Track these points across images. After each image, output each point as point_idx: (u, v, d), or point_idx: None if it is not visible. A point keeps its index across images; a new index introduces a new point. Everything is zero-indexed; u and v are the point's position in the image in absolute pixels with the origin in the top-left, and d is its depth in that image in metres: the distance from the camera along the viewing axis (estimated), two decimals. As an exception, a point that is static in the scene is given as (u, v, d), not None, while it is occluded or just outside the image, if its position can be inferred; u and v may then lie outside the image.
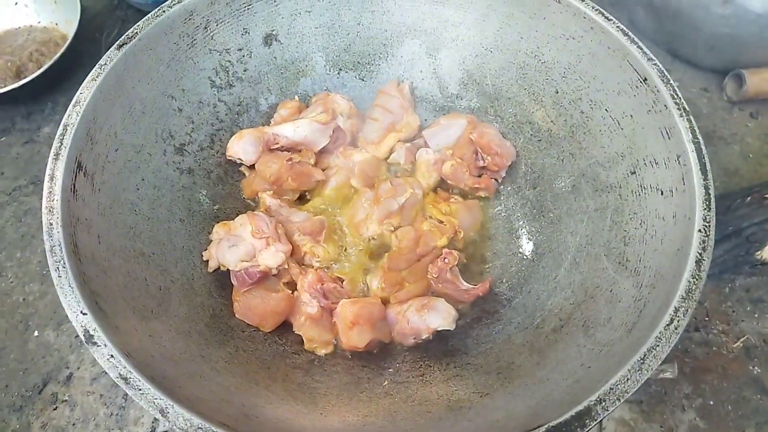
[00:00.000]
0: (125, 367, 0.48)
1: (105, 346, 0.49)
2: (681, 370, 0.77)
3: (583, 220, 0.70)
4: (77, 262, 0.54)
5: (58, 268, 0.53)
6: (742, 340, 0.80)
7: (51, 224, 0.55)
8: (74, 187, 0.58)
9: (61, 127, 0.61)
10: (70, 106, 0.62)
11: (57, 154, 0.59)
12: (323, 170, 0.79)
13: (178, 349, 0.57)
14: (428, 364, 0.66)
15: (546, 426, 0.46)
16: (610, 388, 0.47)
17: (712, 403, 0.75)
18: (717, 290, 0.86)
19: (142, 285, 0.61)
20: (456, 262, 0.69)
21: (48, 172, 0.58)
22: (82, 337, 0.49)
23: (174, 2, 0.70)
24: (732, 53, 1.00)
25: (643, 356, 0.47)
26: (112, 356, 0.48)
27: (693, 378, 0.77)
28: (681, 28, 1.00)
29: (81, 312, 0.50)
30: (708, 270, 0.84)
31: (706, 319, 0.83)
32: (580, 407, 0.46)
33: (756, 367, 0.78)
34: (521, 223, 0.78)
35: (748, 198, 0.85)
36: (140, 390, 0.47)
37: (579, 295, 0.64)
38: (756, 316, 0.82)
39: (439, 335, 0.67)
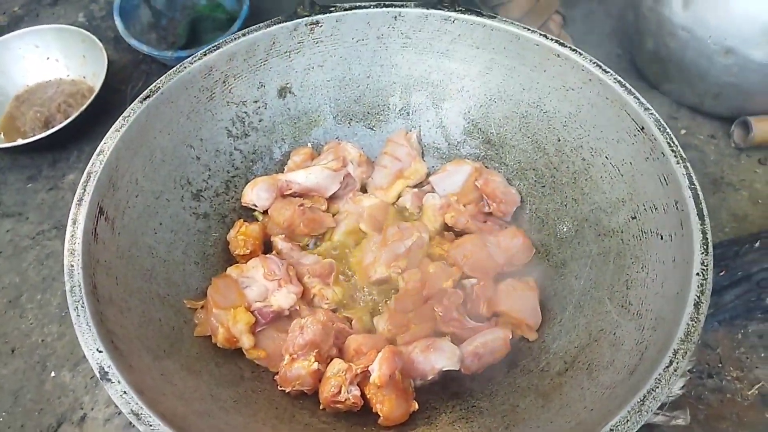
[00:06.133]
0: (137, 404, 0.50)
1: (119, 382, 0.51)
2: (694, 417, 0.76)
3: (587, 264, 0.71)
4: (95, 302, 0.57)
5: (77, 307, 0.55)
6: (756, 387, 0.79)
7: (72, 266, 0.58)
8: (95, 231, 0.62)
9: (84, 175, 0.64)
10: (94, 155, 0.66)
11: (80, 200, 0.62)
12: (333, 215, 0.82)
13: (188, 387, 0.59)
14: (434, 406, 0.67)
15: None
16: (610, 430, 0.47)
17: (726, 451, 0.74)
18: (729, 336, 0.85)
19: (156, 325, 0.64)
20: (461, 301, 0.71)
21: (71, 216, 0.62)
22: (97, 374, 0.51)
23: (195, 58, 0.75)
24: (737, 101, 1.03)
25: (642, 398, 0.48)
26: (125, 392, 0.50)
27: (707, 425, 0.76)
28: (686, 77, 1.03)
29: (97, 350, 0.53)
30: (719, 316, 0.85)
31: (719, 365, 0.83)
32: (580, 449, 0.47)
33: (771, 415, 0.76)
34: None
35: (757, 243, 0.86)
36: (151, 426, 0.49)
37: (583, 338, 0.65)
38: (770, 362, 0.81)
39: (445, 377, 0.68)
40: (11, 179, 1.06)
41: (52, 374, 0.84)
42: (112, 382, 0.51)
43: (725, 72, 0.97)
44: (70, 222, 0.61)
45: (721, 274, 0.88)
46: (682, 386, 0.74)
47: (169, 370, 0.59)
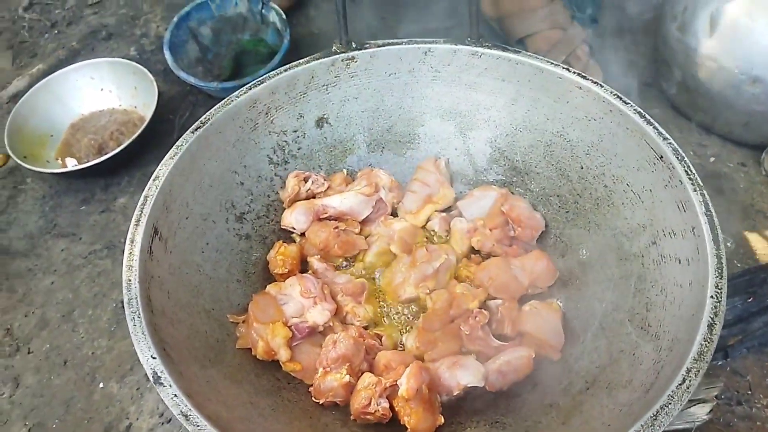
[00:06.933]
0: (186, 406, 0.55)
1: (170, 386, 0.56)
2: (723, 444, 0.76)
3: (609, 287, 0.74)
4: (150, 313, 0.62)
5: (133, 317, 0.61)
6: (788, 415, 0.79)
7: (130, 280, 0.64)
8: (151, 249, 0.68)
9: (141, 198, 0.71)
10: (150, 181, 0.72)
11: (138, 221, 0.68)
12: (366, 237, 0.87)
13: (231, 395, 0.63)
14: (459, 420, 0.70)
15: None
16: (625, 443, 0.50)
17: (754, 479, 0.74)
18: (759, 363, 0.85)
19: (202, 337, 0.69)
20: (486, 321, 0.74)
21: (129, 236, 0.68)
22: (151, 378, 0.57)
23: (241, 92, 0.81)
24: (767, 129, 1.03)
25: (655, 413, 0.51)
26: (175, 395, 0.55)
27: (735, 452, 0.76)
28: (714, 106, 1.04)
29: (151, 356, 0.58)
30: (748, 343, 0.85)
31: (749, 393, 0.83)
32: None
33: (803, 444, 0.76)
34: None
35: (786, 270, 0.86)
36: (198, 426, 0.53)
37: (604, 358, 0.67)
38: (802, 390, 0.81)
39: (470, 393, 0.71)
40: (66, 202, 1.12)
41: (101, 385, 0.88)
42: (164, 386, 0.56)
43: (753, 101, 0.98)
44: (128, 241, 0.67)
45: (750, 300, 0.88)
46: (709, 411, 0.75)
47: (213, 378, 0.64)
